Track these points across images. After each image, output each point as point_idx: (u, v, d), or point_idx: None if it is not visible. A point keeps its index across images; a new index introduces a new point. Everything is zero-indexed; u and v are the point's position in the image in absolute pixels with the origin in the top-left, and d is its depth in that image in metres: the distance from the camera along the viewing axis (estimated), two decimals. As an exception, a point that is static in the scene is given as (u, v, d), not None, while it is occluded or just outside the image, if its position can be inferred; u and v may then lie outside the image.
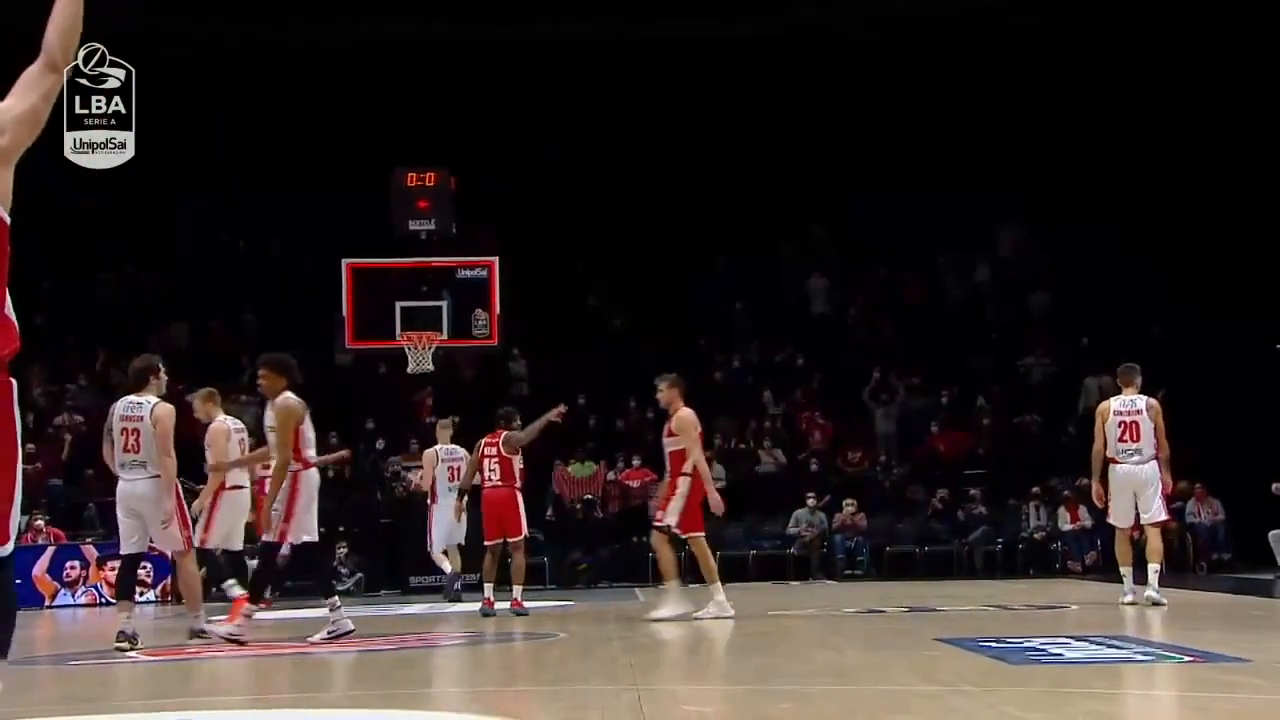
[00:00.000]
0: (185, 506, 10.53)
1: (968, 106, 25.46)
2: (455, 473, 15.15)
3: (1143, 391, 12.52)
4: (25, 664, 9.17)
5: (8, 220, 3.67)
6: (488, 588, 13.12)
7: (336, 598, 10.47)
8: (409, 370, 19.72)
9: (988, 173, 25.30)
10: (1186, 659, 7.67)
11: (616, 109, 25.79)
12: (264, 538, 10.23)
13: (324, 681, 8.48)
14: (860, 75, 25.38)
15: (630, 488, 21.36)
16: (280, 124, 25.45)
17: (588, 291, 26.43)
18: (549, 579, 20.01)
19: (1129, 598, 12.05)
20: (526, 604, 13.27)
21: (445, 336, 19.55)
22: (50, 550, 18.31)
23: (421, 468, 16.97)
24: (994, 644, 8.53)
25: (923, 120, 25.65)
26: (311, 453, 10.27)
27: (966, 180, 25.30)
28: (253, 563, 11.81)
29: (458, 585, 15.57)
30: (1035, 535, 20.87)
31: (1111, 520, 12.55)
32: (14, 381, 3.66)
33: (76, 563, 18.36)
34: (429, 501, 15.83)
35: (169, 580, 16.81)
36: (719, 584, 11.96)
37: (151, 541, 10.40)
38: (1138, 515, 12.28)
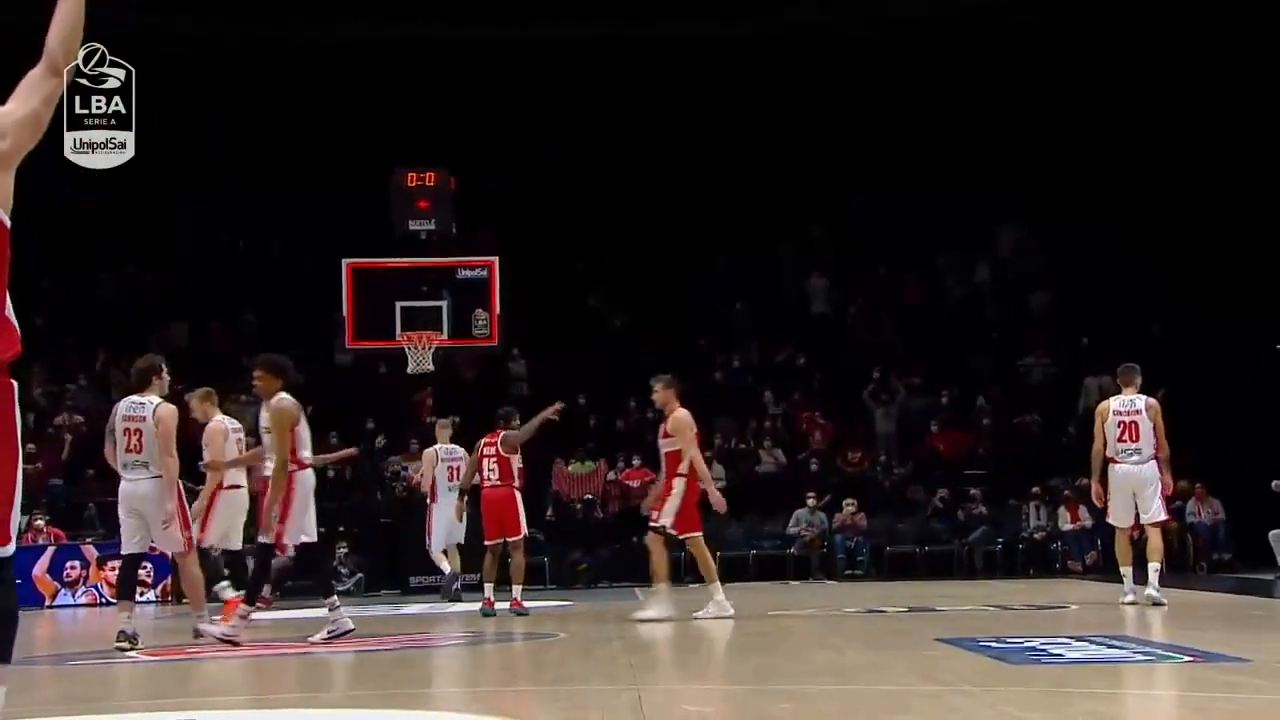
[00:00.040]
0: (187, 507, 10.55)
1: (967, 106, 25.44)
2: (455, 472, 15.19)
3: (1143, 391, 12.53)
4: (25, 664, 9.16)
5: (8, 224, 3.67)
6: (488, 588, 13.11)
7: (336, 597, 10.49)
8: (409, 370, 19.71)
9: (987, 173, 25.29)
10: (1186, 659, 7.67)
11: (616, 109, 25.78)
12: (260, 539, 10.25)
13: (324, 681, 8.48)
14: (860, 75, 25.37)
15: (630, 487, 21.33)
16: (280, 124, 25.44)
17: (588, 291, 26.42)
18: (549, 579, 20.00)
19: (1129, 598, 12.05)
20: (526, 604, 13.28)
21: (445, 336, 19.55)
22: (50, 550, 18.31)
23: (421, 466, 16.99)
24: (994, 644, 8.53)
25: (922, 120, 25.64)
26: (307, 454, 10.27)
27: (966, 180, 25.28)
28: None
29: (457, 585, 15.58)
30: (1035, 535, 20.87)
31: (1111, 520, 12.57)
32: (15, 383, 3.66)
33: (77, 563, 18.37)
34: (429, 501, 15.87)
35: (169, 580, 16.80)
36: (718, 584, 11.95)
37: (152, 542, 10.41)
38: (1137, 515, 12.29)
